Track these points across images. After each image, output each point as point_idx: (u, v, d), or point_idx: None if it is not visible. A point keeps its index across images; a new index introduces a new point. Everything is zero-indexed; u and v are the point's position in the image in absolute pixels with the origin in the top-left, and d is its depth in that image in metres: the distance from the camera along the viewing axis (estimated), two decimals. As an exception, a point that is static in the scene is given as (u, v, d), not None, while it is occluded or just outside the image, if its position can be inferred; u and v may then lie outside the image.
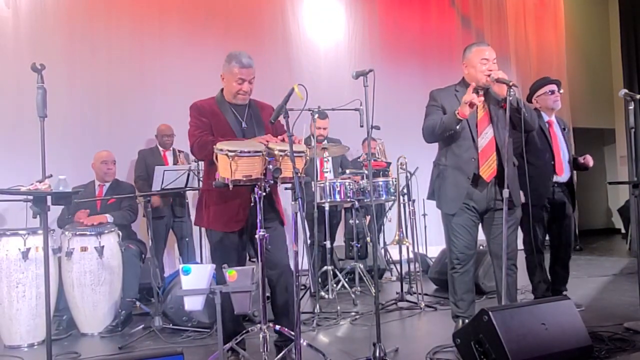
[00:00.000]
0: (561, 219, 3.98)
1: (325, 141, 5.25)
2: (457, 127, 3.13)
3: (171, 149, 5.41)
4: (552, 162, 3.91)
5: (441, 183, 3.33)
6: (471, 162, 3.21)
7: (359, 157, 5.93)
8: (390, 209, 5.81)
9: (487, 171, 3.19)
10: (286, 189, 2.94)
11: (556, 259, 4.04)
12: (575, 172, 4.17)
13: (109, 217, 4.29)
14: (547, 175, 3.90)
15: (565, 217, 3.98)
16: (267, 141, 2.89)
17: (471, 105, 3.06)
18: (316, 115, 4.40)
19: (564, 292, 3.99)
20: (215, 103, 3.11)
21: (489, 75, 3.16)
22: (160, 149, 5.40)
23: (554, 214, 3.97)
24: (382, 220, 6.01)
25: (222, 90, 3.16)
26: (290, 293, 3.07)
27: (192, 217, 5.41)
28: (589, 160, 4.09)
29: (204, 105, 3.10)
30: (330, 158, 4.94)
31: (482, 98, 3.19)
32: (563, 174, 3.96)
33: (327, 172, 4.74)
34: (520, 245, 3.59)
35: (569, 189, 4.02)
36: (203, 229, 5.20)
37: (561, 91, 4.09)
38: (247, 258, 3.28)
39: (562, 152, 3.99)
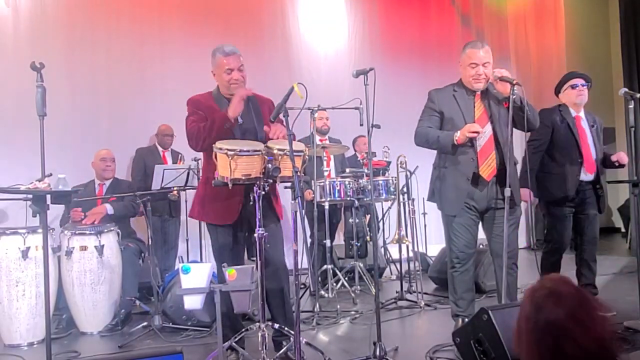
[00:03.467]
0: (583, 219, 3.90)
1: (327, 140, 5.25)
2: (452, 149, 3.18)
3: (170, 149, 5.41)
4: (580, 160, 3.80)
5: (441, 185, 3.32)
6: (470, 163, 3.20)
7: (352, 156, 5.91)
8: (390, 208, 5.81)
9: (487, 170, 3.18)
10: (286, 187, 2.94)
11: (581, 259, 3.97)
12: (604, 170, 3.99)
13: (108, 208, 4.29)
14: (573, 173, 3.79)
15: (587, 216, 3.89)
16: (242, 96, 2.90)
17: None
18: (316, 114, 4.40)
19: (594, 292, 3.94)
20: (211, 97, 3.12)
21: (475, 79, 3.19)
22: (160, 148, 5.41)
23: (577, 214, 3.89)
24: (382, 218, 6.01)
25: (218, 86, 3.17)
26: (285, 292, 3.07)
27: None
28: (623, 157, 3.91)
29: (200, 99, 3.11)
30: (332, 157, 4.94)
31: (482, 132, 3.17)
32: (592, 173, 3.84)
33: (327, 171, 4.74)
34: (522, 244, 3.59)
35: (594, 188, 3.89)
36: (203, 229, 5.26)
37: (587, 84, 3.96)
38: (246, 257, 3.28)
39: (591, 149, 3.86)
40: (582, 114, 3.96)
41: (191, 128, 3.01)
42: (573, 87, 3.93)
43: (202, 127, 2.94)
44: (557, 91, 4.05)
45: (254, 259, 3.07)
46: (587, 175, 3.84)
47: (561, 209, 3.83)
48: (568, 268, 4.28)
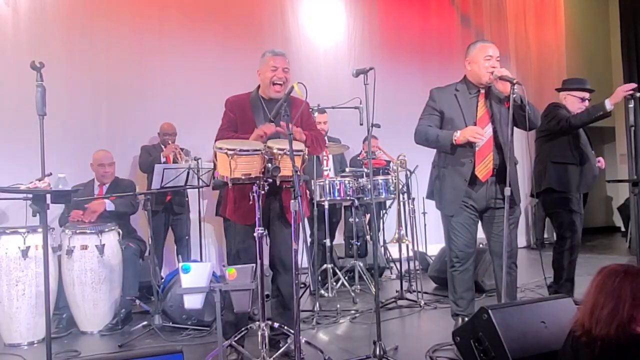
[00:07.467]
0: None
1: (326, 138, 5.25)
2: (451, 150, 3.18)
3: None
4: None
5: (440, 185, 3.32)
6: (468, 164, 3.19)
7: (358, 155, 5.92)
8: (390, 206, 5.81)
9: (483, 171, 3.17)
10: (286, 187, 2.95)
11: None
12: None
13: (107, 204, 4.28)
14: (594, 169, 3.99)
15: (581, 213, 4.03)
16: (265, 132, 2.92)
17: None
18: (316, 113, 4.40)
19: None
20: (247, 98, 3.19)
21: (492, 73, 3.16)
22: (163, 147, 5.39)
23: None
24: (382, 217, 6.01)
25: (258, 86, 3.23)
26: (288, 293, 3.08)
27: (192, 215, 5.44)
28: (602, 162, 4.17)
29: (235, 100, 3.19)
30: (330, 156, 4.94)
31: (483, 138, 3.16)
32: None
33: (327, 170, 4.74)
34: (522, 243, 3.59)
35: None
36: (203, 228, 5.27)
37: (590, 99, 4.12)
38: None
39: None
40: None
41: (221, 134, 3.09)
42: (581, 99, 4.03)
43: (231, 139, 2.98)
44: (562, 89, 4.12)
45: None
46: None
47: (578, 203, 3.93)
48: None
